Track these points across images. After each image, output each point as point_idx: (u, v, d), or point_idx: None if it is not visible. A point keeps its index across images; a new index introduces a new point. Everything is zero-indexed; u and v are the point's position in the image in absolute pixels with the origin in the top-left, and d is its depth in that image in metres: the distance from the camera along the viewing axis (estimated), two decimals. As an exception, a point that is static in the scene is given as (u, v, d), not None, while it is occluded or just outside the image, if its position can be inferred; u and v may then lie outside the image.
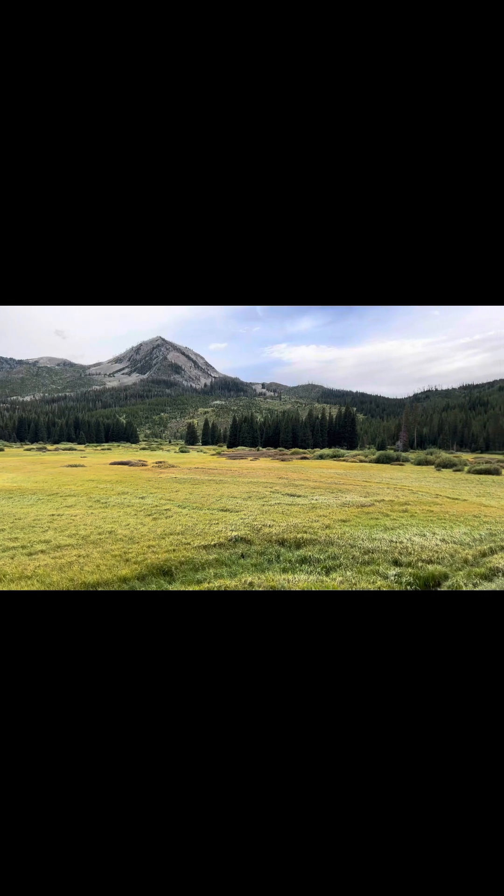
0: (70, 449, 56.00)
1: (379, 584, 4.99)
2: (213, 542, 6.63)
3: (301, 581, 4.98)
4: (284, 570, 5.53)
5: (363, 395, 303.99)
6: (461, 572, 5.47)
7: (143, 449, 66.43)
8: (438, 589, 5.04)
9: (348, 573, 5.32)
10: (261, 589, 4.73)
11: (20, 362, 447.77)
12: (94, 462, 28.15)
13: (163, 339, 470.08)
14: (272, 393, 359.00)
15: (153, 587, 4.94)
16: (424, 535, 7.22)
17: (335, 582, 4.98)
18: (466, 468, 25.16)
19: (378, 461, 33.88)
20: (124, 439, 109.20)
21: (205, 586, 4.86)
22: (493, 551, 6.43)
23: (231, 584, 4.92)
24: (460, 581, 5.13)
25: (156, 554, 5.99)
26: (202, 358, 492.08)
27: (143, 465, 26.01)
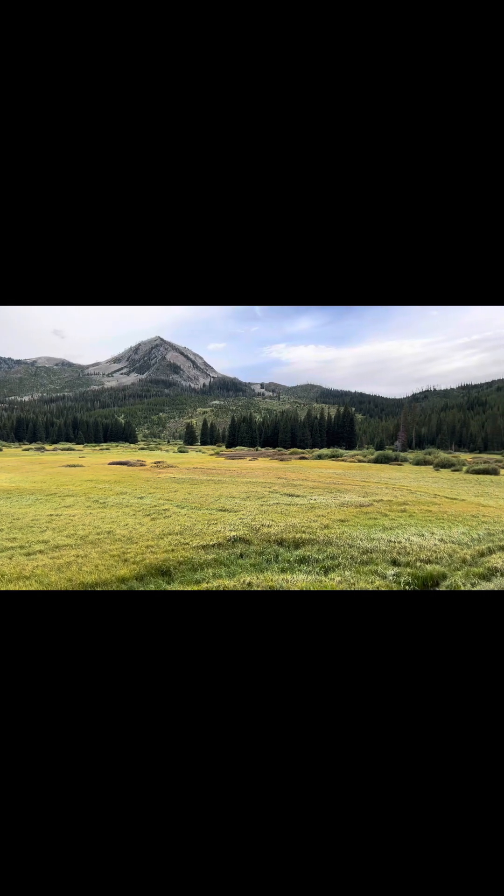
0: (68, 449, 55.90)
1: (377, 583, 4.99)
2: (211, 543, 6.63)
3: (299, 581, 4.98)
4: (283, 570, 5.53)
5: (362, 395, 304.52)
6: (459, 572, 5.48)
7: (142, 449, 66.35)
8: (437, 589, 5.05)
9: (347, 573, 5.33)
10: (259, 589, 4.73)
11: (18, 362, 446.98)
12: (93, 462, 28.10)
13: (161, 339, 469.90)
14: (271, 393, 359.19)
15: (152, 587, 4.94)
16: (423, 535, 7.23)
17: (334, 582, 4.98)
18: (465, 468, 25.21)
19: (377, 461, 33.91)
20: (123, 439, 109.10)
21: (203, 586, 4.86)
22: (491, 551, 6.45)
23: (230, 584, 4.92)
24: (458, 581, 5.14)
25: (154, 554, 5.99)
26: (201, 358, 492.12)
27: (142, 465, 25.99)
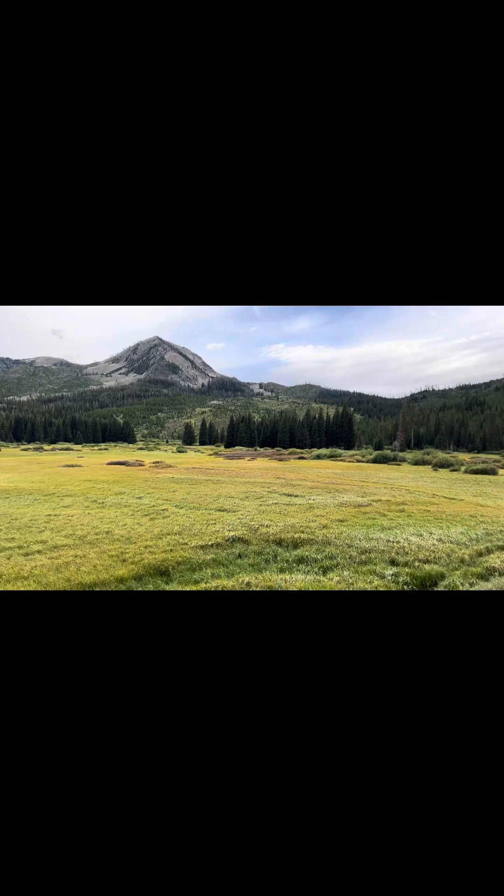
0: (67, 449, 55.84)
1: (376, 583, 5.00)
2: (210, 542, 6.63)
3: (298, 581, 4.98)
4: (282, 570, 5.54)
5: (360, 395, 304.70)
6: (458, 572, 5.49)
7: (141, 449, 66.31)
8: (435, 588, 5.06)
9: (345, 573, 5.33)
10: (258, 589, 4.73)
11: (17, 362, 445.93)
12: (91, 462, 28.07)
13: (160, 339, 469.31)
14: (269, 393, 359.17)
15: (150, 587, 4.93)
16: (421, 535, 7.24)
17: (332, 582, 4.99)
18: (463, 468, 25.25)
19: (375, 461, 33.96)
20: (121, 439, 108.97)
21: (202, 586, 4.86)
22: (489, 551, 6.46)
23: (228, 584, 4.92)
24: (457, 581, 5.15)
25: (153, 554, 5.98)
26: (199, 358, 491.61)
27: (141, 465, 25.97)
